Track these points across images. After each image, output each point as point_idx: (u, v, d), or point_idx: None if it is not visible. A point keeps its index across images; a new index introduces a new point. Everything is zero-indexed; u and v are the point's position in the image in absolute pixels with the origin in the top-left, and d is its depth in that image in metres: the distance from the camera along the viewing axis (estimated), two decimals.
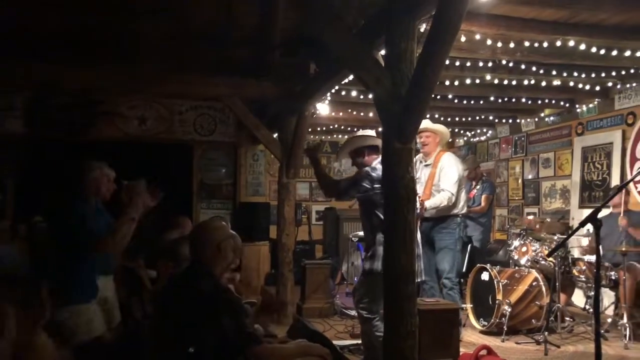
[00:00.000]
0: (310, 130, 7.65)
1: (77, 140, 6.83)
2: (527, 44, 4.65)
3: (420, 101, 2.83)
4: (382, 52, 3.21)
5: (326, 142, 9.57)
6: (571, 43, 4.59)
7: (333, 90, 5.67)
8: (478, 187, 7.32)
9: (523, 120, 8.13)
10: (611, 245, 5.24)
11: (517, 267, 5.77)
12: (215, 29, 4.93)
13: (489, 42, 4.54)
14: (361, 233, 5.38)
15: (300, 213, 7.57)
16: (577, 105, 7.03)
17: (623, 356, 4.65)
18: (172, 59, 5.57)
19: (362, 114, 7.30)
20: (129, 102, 7.20)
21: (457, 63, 5.18)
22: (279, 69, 5.67)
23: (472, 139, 9.58)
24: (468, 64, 5.23)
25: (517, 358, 4.64)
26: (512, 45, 4.63)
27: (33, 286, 2.25)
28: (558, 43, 4.60)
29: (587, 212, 2.71)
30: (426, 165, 5.20)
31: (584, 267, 5.44)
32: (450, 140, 9.22)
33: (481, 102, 6.79)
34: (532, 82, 5.90)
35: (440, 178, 5.04)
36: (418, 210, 3.95)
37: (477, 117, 8.01)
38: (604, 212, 5.24)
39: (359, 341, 4.37)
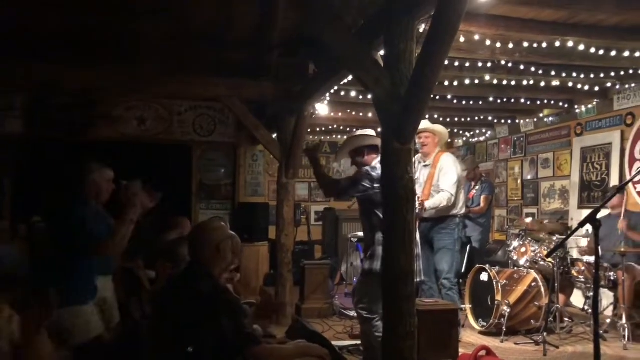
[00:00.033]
0: (309, 130, 7.63)
1: (76, 140, 6.83)
2: (526, 44, 4.66)
3: (419, 101, 2.83)
4: (382, 52, 3.21)
5: (325, 142, 9.55)
6: (570, 43, 4.60)
7: (332, 91, 5.68)
8: (477, 187, 7.33)
9: (522, 121, 8.13)
10: (610, 246, 5.23)
11: (516, 268, 5.76)
12: (215, 29, 4.94)
13: (488, 42, 4.55)
14: (360, 233, 5.39)
15: (300, 213, 7.55)
16: (576, 106, 7.04)
17: (622, 357, 4.65)
18: (172, 59, 5.58)
19: (361, 114, 7.29)
20: (128, 102, 7.22)
21: (456, 63, 5.19)
22: (279, 70, 5.69)
23: (471, 140, 9.58)
24: (467, 64, 5.24)
25: (516, 359, 4.65)
26: (511, 45, 4.64)
27: (33, 286, 2.25)
28: (557, 43, 4.61)
29: (586, 212, 2.71)
30: (425, 166, 5.20)
31: (583, 268, 5.44)
32: (449, 140, 9.25)
33: (480, 102, 6.79)
34: (531, 82, 5.91)
35: (439, 178, 5.05)
36: (417, 211, 3.95)
37: (476, 118, 8.01)
38: (603, 213, 5.23)
39: (358, 342, 4.37)
